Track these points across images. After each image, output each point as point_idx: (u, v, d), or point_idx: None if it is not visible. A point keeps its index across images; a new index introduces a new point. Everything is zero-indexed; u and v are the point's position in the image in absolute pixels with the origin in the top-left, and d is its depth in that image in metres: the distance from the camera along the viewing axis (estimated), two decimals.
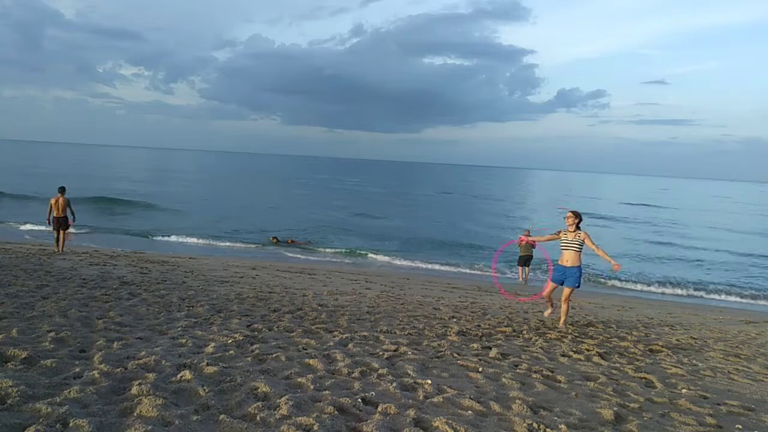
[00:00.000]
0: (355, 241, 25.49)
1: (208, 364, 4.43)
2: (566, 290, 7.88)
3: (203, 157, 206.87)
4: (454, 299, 10.93)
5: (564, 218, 7.89)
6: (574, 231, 7.71)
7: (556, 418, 3.91)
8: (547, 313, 8.45)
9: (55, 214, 13.87)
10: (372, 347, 5.70)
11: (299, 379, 4.31)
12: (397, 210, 41.13)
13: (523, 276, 18.17)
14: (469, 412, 3.91)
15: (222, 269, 12.69)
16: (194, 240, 22.82)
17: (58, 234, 13.97)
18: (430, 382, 4.52)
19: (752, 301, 17.27)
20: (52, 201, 13.94)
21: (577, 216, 7.75)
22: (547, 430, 3.63)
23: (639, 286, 18.43)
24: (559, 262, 7.88)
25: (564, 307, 8.04)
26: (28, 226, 21.93)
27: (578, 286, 7.88)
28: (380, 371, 4.74)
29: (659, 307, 13.53)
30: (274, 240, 23.71)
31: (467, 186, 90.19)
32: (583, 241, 7.65)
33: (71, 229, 15.04)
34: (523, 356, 5.86)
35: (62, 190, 14.04)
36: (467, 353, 5.81)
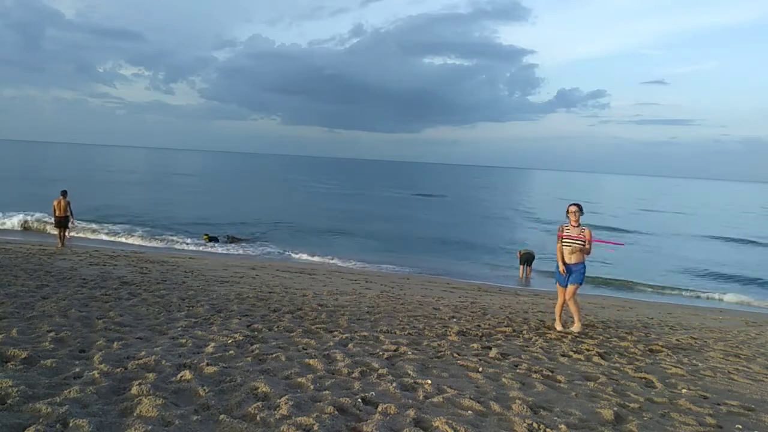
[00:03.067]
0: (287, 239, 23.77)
1: (208, 364, 4.44)
2: (570, 288, 7.47)
3: (198, 158, 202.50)
4: (454, 299, 10.92)
5: (566, 212, 7.46)
6: (577, 226, 7.37)
7: (556, 418, 3.91)
8: (559, 327, 7.72)
9: (57, 214, 15.53)
10: (372, 347, 5.70)
11: (299, 379, 4.31)
12: (348, 213, 37.61)
13: (524, 274, 18.20)
14: (469, 412, 3.91)
15: (222, 269, 12.69)
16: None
17: (60, 231, 15.67)
18: (430, 382, 4.53)
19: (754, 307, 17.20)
20: (55, 203, 15.61)
21: (581, 210, 7.38)
22: (547, 430, 3.63)
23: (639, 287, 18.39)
24: (564, 261, 7.45)
25: (573, 307, 7.57)
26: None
27: (581, 283, 7.50)
28: (380, 371, 4.74)
29: (659, 307, 13.53)
30: (206, 237, 21.48)
31: (453, 187, 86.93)
32: (587, 238, 7.30)
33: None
34: (523, 356, 5.86)
35: (64, 193, 15.66)
36: (467, 353, 5.81)
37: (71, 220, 15.81)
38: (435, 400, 4.09)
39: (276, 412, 3.54)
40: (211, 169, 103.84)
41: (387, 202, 49.40)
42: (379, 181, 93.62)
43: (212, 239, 21.28)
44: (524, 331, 7.38)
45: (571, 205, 7.51)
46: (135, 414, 3.37)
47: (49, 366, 4.11)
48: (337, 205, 41.39)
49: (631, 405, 4.42)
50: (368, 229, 28.56)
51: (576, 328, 7.57)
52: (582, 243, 7.36)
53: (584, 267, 7.50)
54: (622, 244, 8.08)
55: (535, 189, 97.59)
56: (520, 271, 18.40)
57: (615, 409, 4.20)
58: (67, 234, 15.99)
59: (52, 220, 16.03)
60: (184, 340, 5.31)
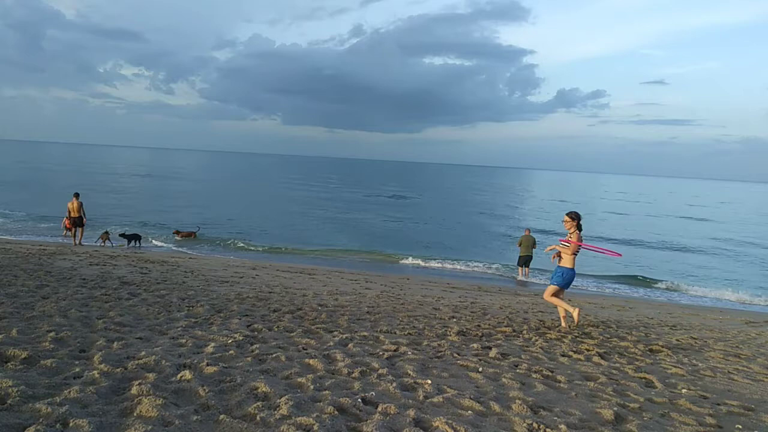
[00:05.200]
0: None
1: (208, 364, 4.43)
2: (552, 288, 7.86)
3: (194, 158, 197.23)
4: (454, 299, 10.93)
5: (562, 222, 7.80)
6: (573, 232, 7.67)
7: (556, 418, 3.91)
8: (573, 314, 7.89)
9: (71, 215, 17.34)
10: (372, 347, 5.70)
11: (299, 379, 4.31)
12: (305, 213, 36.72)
13: (523, 275, 18.21)
14: (469, 412, 3.90)
15: (222, 269, 12.69)
16: None
17: (74, 230, 17.57)
18: (430, 382, 4.52)
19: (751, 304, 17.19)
20: (69, 204, 17.35)
21: (574, 218, 7.63)
22: (547, 430, 3.63)
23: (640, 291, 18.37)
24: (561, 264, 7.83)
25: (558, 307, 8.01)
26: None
27: (565, 287, 7.89)
28: (380, 371, 4.74)
29: (659, 307, 13.53)
30: (104, 236, 19.24)
31: (437, 188, 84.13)
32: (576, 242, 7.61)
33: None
34: (523, 356, 5.86)
35: (77, 195, 17.45)
36: (467, 353, 5.81)
37: (84, 219, 17.57)
38: (435, 400, 4.09)
39: (276, 412, 3.54)
40: (199, 170, 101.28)
41: (347, 203, 47.61)
42: (365, 181, 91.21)
43: (130, 237, 19.21)
44: (524, 331, 7.38)
45: (565, 216, 7.81)
46: (135, 414, 3.36)
47: (49, 366, 4.11)
48: (286, 206, 40.50)
49: (631, 405, 4.42)
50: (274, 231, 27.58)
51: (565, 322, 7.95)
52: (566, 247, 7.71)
53: (563, 270, 7.73)
54: (620, 255, 8.22)
55: (525, 190, 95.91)
56: (519, 272, 18.42)
57: (615, 409, 4.20)
58: (81, 232, 17.75)
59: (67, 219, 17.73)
60: (184, 340, 5.31)
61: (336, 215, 36.66)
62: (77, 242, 17.45)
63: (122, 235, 19.00)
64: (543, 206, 54.05)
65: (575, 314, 7.81)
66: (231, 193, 52.42)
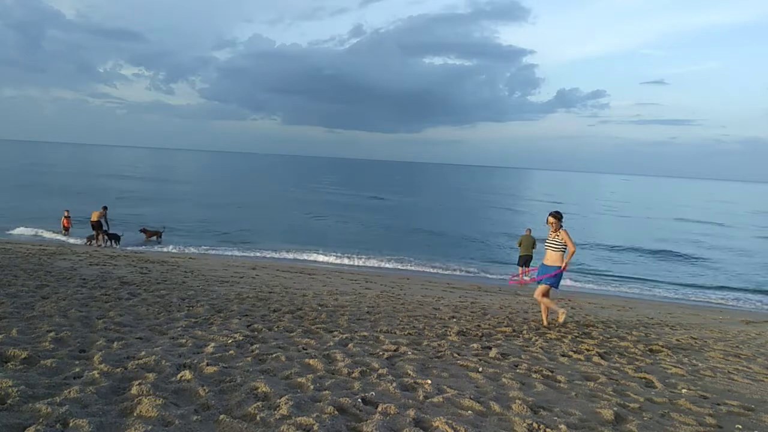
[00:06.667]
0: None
1: (208, 364, 4.43)
2: (542, 288, 8.03)
3: (189, 158, 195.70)
4: (454, 299, 10.93)
5: (546, 224, 8.00)
6: (555, 231, 7.89)
7: (556, 418, 3.91)
8: (562, 316, 8.17)
9: (91, 220, 19.43)
10: (372, 347, 5.70)
11: (299, 379, 4.31)
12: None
13: (523, 276, 18.19)
14: (469, 412, 3.91)
15: (222, 269, 12.69)
16: None
17: (94, 232, 19.44)
18: (430, 382, 4.53)
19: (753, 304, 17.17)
20: (94, 212, 19.50)
21: (556, 218, 7.86)
22: (547, 430, 3.63)
23: (637, 287, 18.38)
24: (543, 262, 8.10)
25: (543, 306, 8.18)
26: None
27: (556, 287, 8.08)
28: (380, 371, 4.74)
29: (659, 307, 13.54)
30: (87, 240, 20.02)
31: (423, 189, 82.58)
32: (562, 240, 7.81)
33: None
34: (523, 356, 5.86)
35: (105, 208, 19.74)
36: (467, 353, 5.81)
37: (104, 226, 19.32)
38: (435, 400, 4.09)
39: (276, 412, 3.54)
40: (194, 171, 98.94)
41: (330, 204, 45.91)
42: (359, 182, 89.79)
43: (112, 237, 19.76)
44: (524, 331, 7.38)
45: (548, 216, 8.04)
46: (135, 414, 3.36)
47: (49, 366, 4.11)
48: (267, 208, 39.71)
49: (631, 405, 4.42)
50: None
51: (545, 323, 8.11)
52: (558, 246, 7.87)
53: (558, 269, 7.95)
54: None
55: (515, 190, 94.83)
56: (519, 273, 18.40)
57: (615, 409, 4.20)
58: (97, 236, 19.27)
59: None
60: (184, 340, 5.31)
61: (309, 217, 35.71)
62: (99, 244, 19.08)
63: (105, 233, 19.83)
64: (534, 207, 53.47)
65: (563, 315, 8.14)
66: (218, 194, 51.31)
